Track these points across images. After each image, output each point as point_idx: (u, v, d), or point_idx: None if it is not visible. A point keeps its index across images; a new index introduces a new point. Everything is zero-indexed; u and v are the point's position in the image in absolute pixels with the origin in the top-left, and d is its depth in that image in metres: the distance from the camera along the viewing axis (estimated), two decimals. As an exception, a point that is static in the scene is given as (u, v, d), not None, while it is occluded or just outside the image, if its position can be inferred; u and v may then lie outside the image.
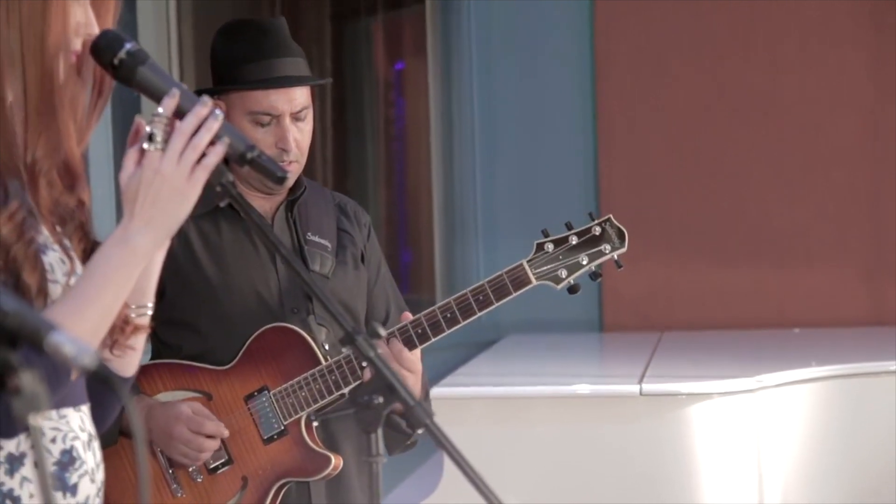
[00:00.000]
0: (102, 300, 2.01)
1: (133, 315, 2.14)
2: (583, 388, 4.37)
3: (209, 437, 3.10)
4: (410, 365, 3.13)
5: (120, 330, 2.13)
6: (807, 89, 5.84)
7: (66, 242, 2.09)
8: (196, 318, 3.20)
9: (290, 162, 3.22)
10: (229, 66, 3.27)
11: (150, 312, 2.15)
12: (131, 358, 2.18)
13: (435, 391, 4.19)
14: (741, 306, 5.86)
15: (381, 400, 2.05)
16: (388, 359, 3.10)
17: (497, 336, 5.70)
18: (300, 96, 3.25)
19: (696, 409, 4.21)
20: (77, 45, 2.07)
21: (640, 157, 5.97)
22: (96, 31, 2.07)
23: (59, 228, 2.07)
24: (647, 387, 4.23)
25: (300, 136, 3.24)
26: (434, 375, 4.67)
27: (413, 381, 3.14)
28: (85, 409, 2.11)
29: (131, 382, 2.25)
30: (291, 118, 3.23)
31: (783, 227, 5.85)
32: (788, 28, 5.86)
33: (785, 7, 5.85)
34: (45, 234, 2.05)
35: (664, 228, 5.92)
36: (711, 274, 5.90)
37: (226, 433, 3.14)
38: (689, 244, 5.94)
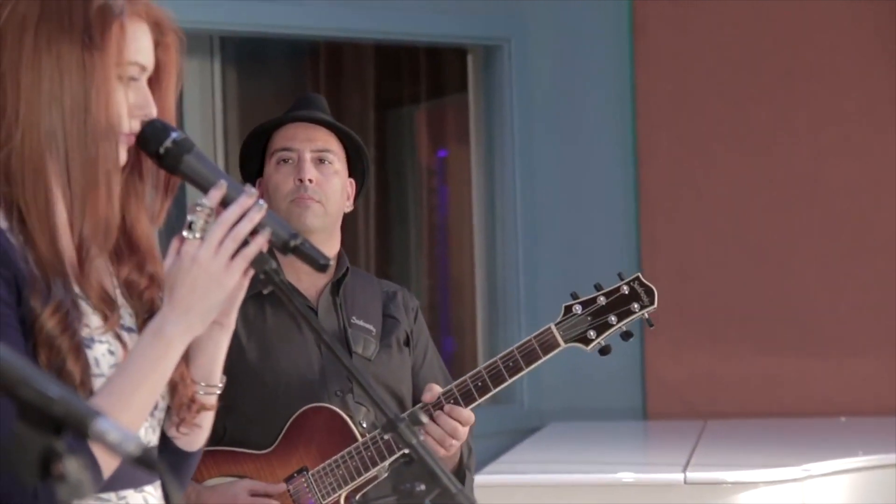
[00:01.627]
0: (138, 397, 2.03)
1: (202, 393, 2.17)
2: (627, 476, 4.35)
3: None
4: (467, 419, 3.13)
5: (187, 408, 2.16)
6: (850, 176, 5.83)
7: (122, 332, 2.11)
8: (240, 401, 3.22)
9: (309, 198, 3.25)
10: (262, 126, 3.38)
11: (218, 391, 2.19)
12: (198, 435, 2.21)
13: (479, 479, 4.17)
14: (786, 394, 5.82)
15: (422, 487, 2.05)
16: (444, 431, 3.11)
17: (540, 424, 5.68)
18: (321, 138, 3.31)
19: (742, 498, 4.17)
20: (135, 126, 2.09)
21: (683, 244, 5.97)
22: (154, 111, 2.10)
23: (109, 315, 2.09)
24: (692, 475, 4.20)
25: (322, 178, 3.28)
26: (477, 463, 4.66)
27: (464, 432, 3.15)
28: (150, 489, 2.12)
29: (199, 457, 2.27)
30: (313, 159, 3.28)
31: (828, 314, 5.82)
32: (831, 115, 5.86)
33: (828, 94, 5.85)
34: (92, 327, 2.07)
35: (708, 316, 5.90)
36: (756, 361, 5.87)
37: None
38: (733, 331, 5.91)
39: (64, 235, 2.06)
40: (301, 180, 3.25)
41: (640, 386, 5.97)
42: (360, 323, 3.33)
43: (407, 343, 3.40)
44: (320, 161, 3.29)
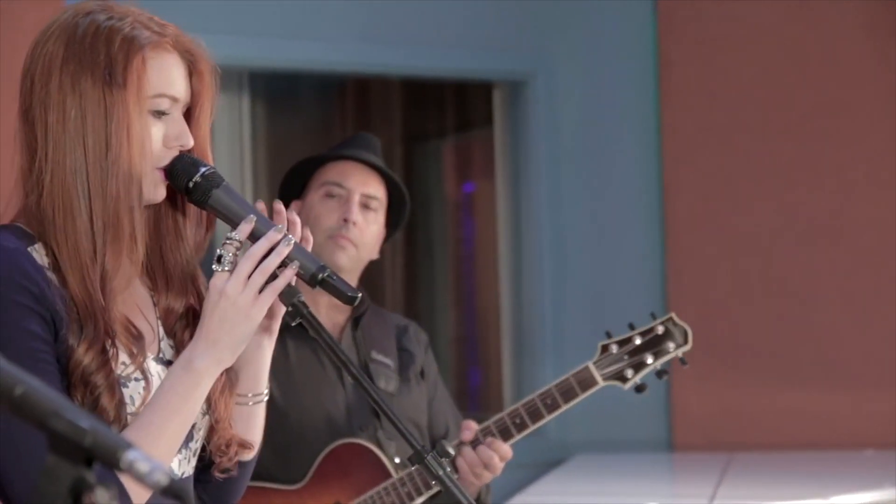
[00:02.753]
0: (169, 430, 2.05)
1: (250, 404, 2.23)
2: (652, 509, 4.35)
3: None
4: (505, 453, 3.17)
5: (224, 452, 2.19)
6: (876, 212, 5.83)
7: (154, 363, 2.14)
8: (266, 438, 3.23)
9: (348, 240, 3.27)
10: (321, 154, 3.41)
11: (265, 398, 2.25)
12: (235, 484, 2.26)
13: (504, 511, 4.18)
14: (813, 427, 5.81)
15: (449, 519, 2.07)
16: (475, 464, 3.13)
17: (565, 456, 5.68)
18: (373, 184, 3.33)
19: (767, 531, 4.17)
20: (171, 154, 2.12)
21: (709, 279, 5.97)
22: (190, 142, 2.13)
23: (135, 349, 2.11)
24: (718, 508, 4.20)
25: (364, 224, 3.30)
26: (503, 495, 4.66)
27: (499, 466, 3.18)
28: None
29: (248, 474, 2.30)
30: (361, 202, 3.30)
31: (854, 349, 5.81)
32: (857, 151, 5.86)
33: (854, 130, 5.86)
34: (125, 364, 2.10)
35: (734, 349, 5.90)
36: (782, 395, 5.86)
37: None
38: (760, 365, 5.91)
39: (93, 272, 2.09)
40: (346, 220, 3.28)
41: (665, 418, 5.97)
42: (380, 358, 3.35)
43: (422, 375, 3.43)
44: (366, 206, 3.32)
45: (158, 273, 2.20)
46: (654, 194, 6.06)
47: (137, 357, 2.10)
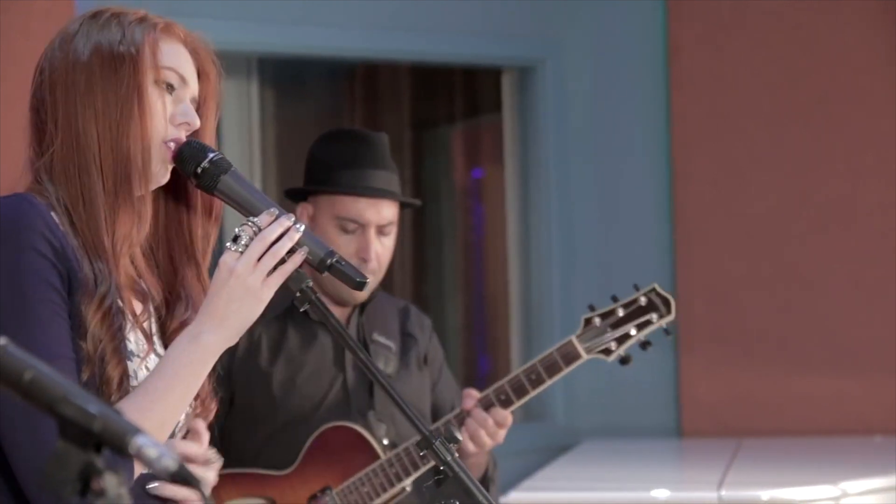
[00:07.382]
0: (169, 398, 2.07)
1: None
2: (661, 494, 4.35)
3: None
4: (503, 418, 3.17)
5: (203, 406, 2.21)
6: (886, 198, 5.82)
7: (149, 325, 2.16)
8: (265, 421, 3.24)
9: (367, 273, 3.26)
10: (325, 169, 3.34)
11: None
12: None
13: (513, 497, 4.19)
14: (821, 413, 5.81)
15: (458, 505, 2.07)
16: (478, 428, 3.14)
17: (574, 441, 5.69)
18: (388, 210, 3.30)
19: (776, 517, 4.16)
20: (178, 134, 2.14)
21: (719, 265, 5.97)
22: (198, 122, 2.15)
23: (139, 307, 2.14)
24: (726, 494, 4.20)
25: (382, 249, 3.29)
26: (511, 480, 4.67)
27: (497, 431, 3.19)
28: None
29: None
30: (377, 231, 3.27)
31: (863, 334, 5.81)
32: (868, 137, 5.85)
33: (864, 116, 5.85)
34: (132, 341, 2.11)
35: (743, 335, 5.89)
36: (791, 380, 5.86)
37: None
38: (769, 351, 5.90)
39: (105, 229, 2.12)
40: (366, 260, 3.26)
41: (674, 404, 5.97)
42: (381, 340, 3.36)
43: (425, 361, 3.43)
44: (382, 233, 3.30)
45: (160, 255, 2.22)
46: (663, 181, 6.05)
47: (142, 316, 2.13)
